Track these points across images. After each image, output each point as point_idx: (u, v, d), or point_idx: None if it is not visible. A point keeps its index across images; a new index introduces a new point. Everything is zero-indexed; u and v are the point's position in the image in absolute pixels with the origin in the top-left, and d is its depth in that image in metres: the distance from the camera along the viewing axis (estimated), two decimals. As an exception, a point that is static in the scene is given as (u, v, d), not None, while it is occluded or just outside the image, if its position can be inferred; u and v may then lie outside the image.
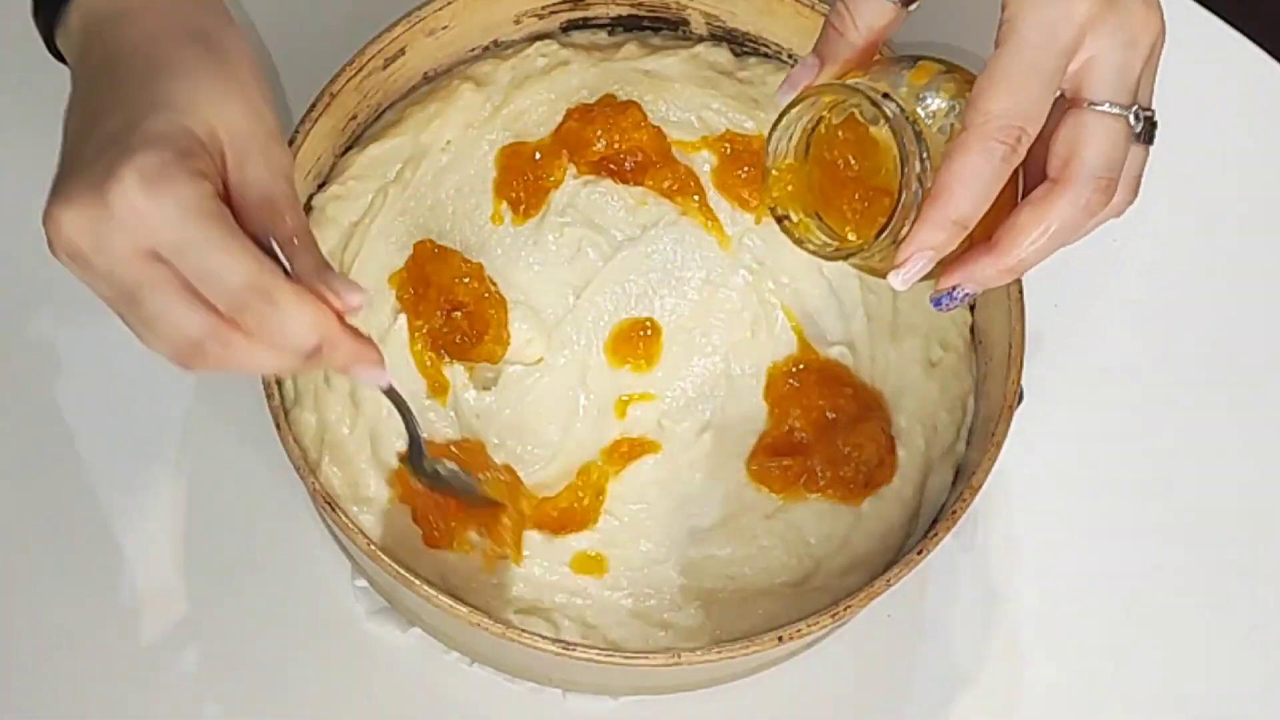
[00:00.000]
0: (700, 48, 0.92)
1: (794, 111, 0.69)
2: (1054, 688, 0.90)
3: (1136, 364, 0.96)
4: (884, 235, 0.66)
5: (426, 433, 0.84)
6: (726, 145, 0.89)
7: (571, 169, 0.89)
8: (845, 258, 0.69)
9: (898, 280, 0.67)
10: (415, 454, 0.79)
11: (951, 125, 0.67)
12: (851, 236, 0.70)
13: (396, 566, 0.76)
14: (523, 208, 0.88)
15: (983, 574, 0.91)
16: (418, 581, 0.76)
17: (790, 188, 0.71)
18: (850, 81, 0.68)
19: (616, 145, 0.88)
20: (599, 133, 0.88)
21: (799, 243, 0.70)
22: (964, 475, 0.85)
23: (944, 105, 0.68)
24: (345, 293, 0.65)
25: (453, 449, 0.84)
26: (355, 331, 0.66)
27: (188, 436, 0.90)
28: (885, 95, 0.67)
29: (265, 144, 0.66)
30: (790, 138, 0.70)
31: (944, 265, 0.68)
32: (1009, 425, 0.81)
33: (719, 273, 0.89)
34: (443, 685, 0.88)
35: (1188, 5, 1.01)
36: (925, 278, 0.68)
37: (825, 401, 0.86)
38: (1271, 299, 0.98)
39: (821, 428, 0.86)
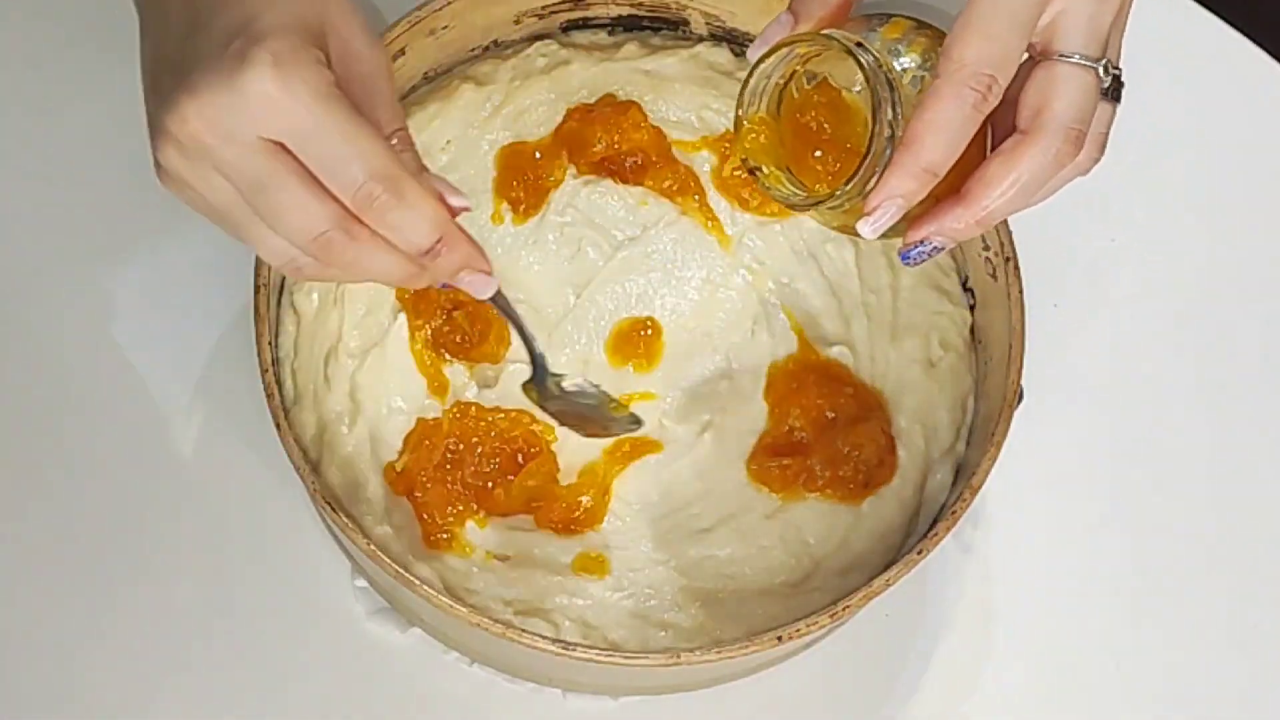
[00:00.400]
0: (700, 48, 0.92)
1: (767, 64, 0.70)
2: (1054, 687, 0.90)
3: (1137, 363, 0.96)
4: (854, 182, 0.67)
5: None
6: (726, 145, 0.89)
7: (571, 169, 0.89)
8: (815, 205, 0.69)
9: (867, 228, 0.67)
10: (539, 373, 0.77)
11: (923, 78, 0.68)
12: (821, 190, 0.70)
13: (396, 566, 0.76)
14: (523, 207, 0.88)
15: (982, 574, 0.91)
16: (418, 581, 0.76)
17: (763, 139, 0.71)
18: (825, 31, 0.68)
19: (617, 146, 0.88)
20: (599, 133, 0.88)
21: (768, 191, 0.71)
22: (964, 475, 0.85)
23: (916, 60, 0.68)
24: (449, 195, 0.66)
25: (500, 418, 0.84)
26: (468, 235, 0.66)
27: (188, 437, 0.90)
28: (859, 44, 0.67)
29: (365, 40, 0.66)
30: (763, 92, 0.70)
31: (911, 219, 0.69)
32: (1009, 425, 0.81)
33: (719, 273, 0.89)
34: (443, 685, 0.88)
35: (1188, 5, 1.01)
36: (892, 233, 0.69)
37: (825, 401, 0.86)
38: (1272, 298, 0.98)
39: (821, 428, 0.86)
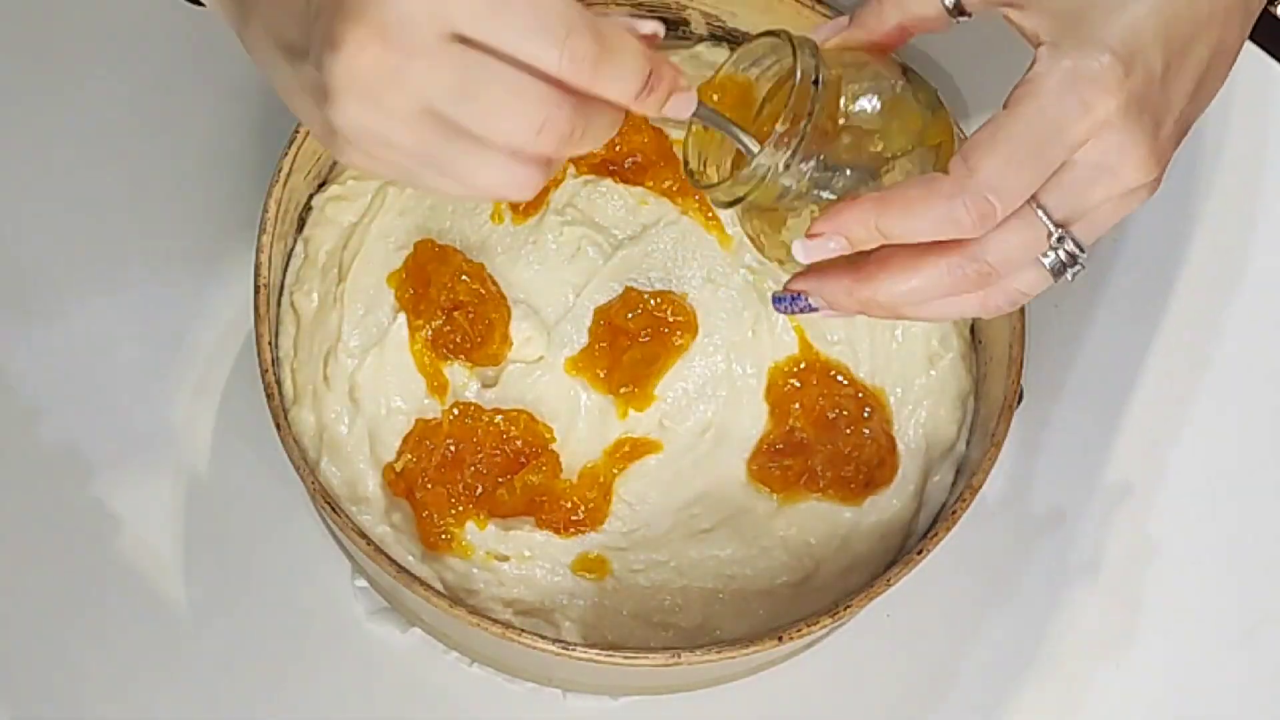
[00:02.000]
0: (700, 48, 0.92)
1: (750, 46, 0.69)
2: (1054, 688, 0.90)
3: (1137, 364, 0.96)
4: (744, 172, 0.65)
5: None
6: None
7: (571, 168, 0.89)
8: (706, 189, 0.67)
9: (800, 250, 0.64)
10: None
11: (869, 133, 0.66)
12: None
13: (396, 566, 0.76)
14: (522, 207, 0.88)
15: (983, 574, 0.91)
16: (418, 581, 0.76)
17: (717, 98, 0.69)
18: (799, 35, 0.66)
19: (617, 147, 0.88)
20: (599, 135, 0.88)
21: (685, 164, 0.69)
22: (964, 475, 0.85)
23: (873, 111, 0.66)
24: (636, 24, 0.60)
25: (499, 419, 0.84)
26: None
27: (188, 436, 0.90)
28: (814, 49, 0.65)
29: None
30: (741, 65, 0.69)
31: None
32: (1009, 425, 0.81)
33: (720, 272, 0.89)
34: (443, 685, 0.88)
35: (1188, 5, 1.01)
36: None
37: (826, 401, 0.86)
38: (1272, 298, 0.98)
39: (822, 427, 0.86)
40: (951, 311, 0.66)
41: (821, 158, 0.66)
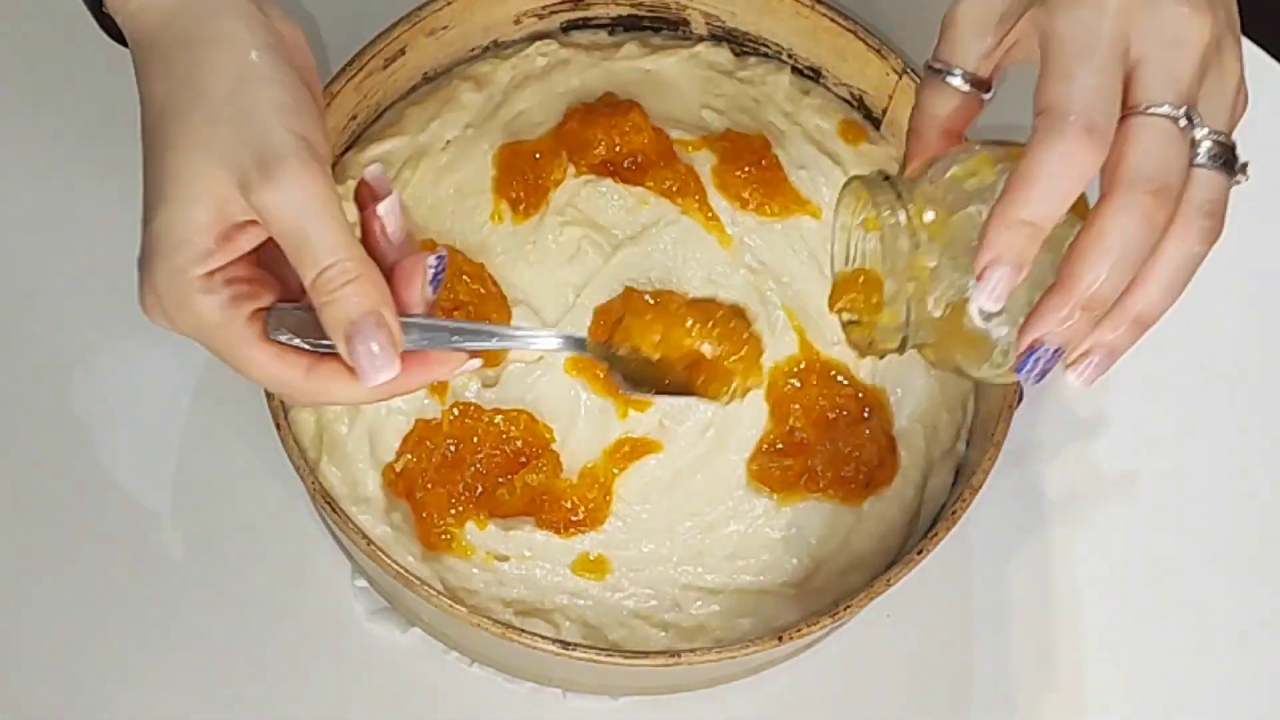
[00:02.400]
0: (700, 48, 0.92)
1: (841, 215, 0.70)
2: (1054, 688, 0.90)
3: (1136, 363, 0.96)
4: (885, 327, 0.66)
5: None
6: (727, 145, 0.89)
7: (571, 168, 0.89)
8: (856, 343, 0.70)
9: (981, 297, 0.63)
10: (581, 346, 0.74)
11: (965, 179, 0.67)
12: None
13: (396, 566, 0.76)
14: (522, 207, 0.88)
15: (983, 574, 0.91)
16: (418, 581, 0.76)
17: (852, 297, 0.71)
18: (877, 179, 0.67)
19: (617, 148, 0.88)
20: (599, 135, 0.88)
21: (856, 345, 0.72)
22: (964, 475, 0.85)
23: (963, 161, 0.67)
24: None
25: (499, 419, 0.84)
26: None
27: (188, 436, 0.90)
28: (897, 195, 0.66)
29: (272, 191, 0.65)
30: (849, 242, 0.71)
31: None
32: (1009, 425, 0.81)
33: (719, 272, 0.89)
34: (443, 685, 0.88)
35: (1188, 5, 1.01)
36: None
37: (826, 401, 0.86)
38: (1272, 299, 0.98)
39: (822, 427, 0.86)
40: (1173, 264, 0.64)
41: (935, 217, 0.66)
